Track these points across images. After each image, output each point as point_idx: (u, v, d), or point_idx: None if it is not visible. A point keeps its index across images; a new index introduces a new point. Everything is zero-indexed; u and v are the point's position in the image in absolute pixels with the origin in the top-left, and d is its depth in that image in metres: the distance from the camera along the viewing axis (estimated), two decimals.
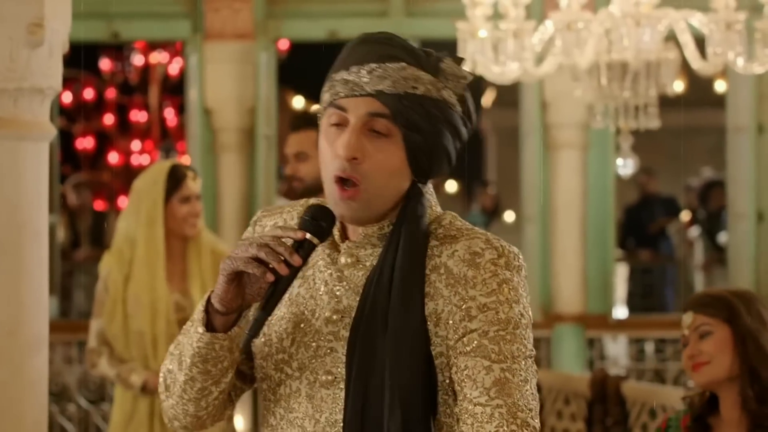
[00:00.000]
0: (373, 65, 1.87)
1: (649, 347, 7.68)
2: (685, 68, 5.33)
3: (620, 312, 9.41)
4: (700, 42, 4.97)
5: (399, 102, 1.85)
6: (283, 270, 1.84)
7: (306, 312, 1.92)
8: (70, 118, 12.43)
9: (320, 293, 1.92)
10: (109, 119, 12.70)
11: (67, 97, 11.96)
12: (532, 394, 1.80)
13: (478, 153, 14.77)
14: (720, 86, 10.10)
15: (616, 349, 7.82)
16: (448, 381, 1.84)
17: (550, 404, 5.22)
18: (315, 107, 4.79)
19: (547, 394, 5.25)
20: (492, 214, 11.99)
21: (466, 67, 1.96)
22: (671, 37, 5.05)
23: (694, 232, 11.01)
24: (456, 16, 5.48)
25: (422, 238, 1.88)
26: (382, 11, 7.51)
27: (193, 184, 4.32)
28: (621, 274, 10.18)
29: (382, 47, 1.89)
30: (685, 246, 11.19)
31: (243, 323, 1.91)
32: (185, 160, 8.35)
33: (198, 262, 4.32)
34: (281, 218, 2.00)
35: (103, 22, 7.34)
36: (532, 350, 1.84)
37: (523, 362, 1.81)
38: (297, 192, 3.94)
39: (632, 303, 10.38)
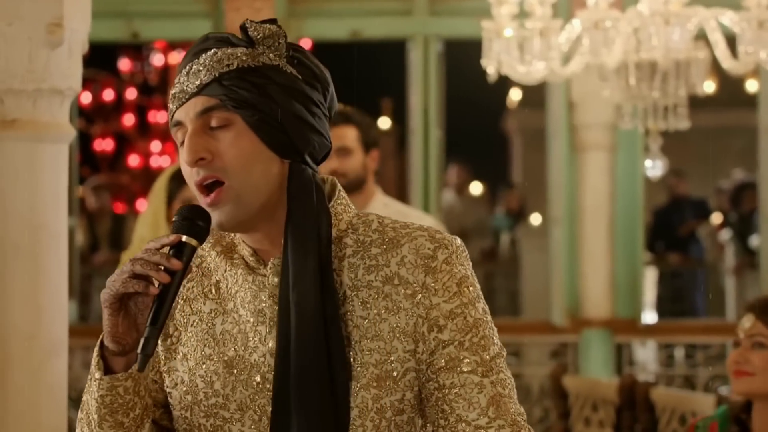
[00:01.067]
0: (189, 66, 1.82)
1: (679, 353, 7.66)
2: (716, 68, 5.31)
3: (649, 317, 9.38)
4: (731, 41, 4.94)
5: (219, 86, 1.78)
6: (164, 278, 1.72)
7: (237, 348, 1.82)
8: (89, 119, 12.49)
9: (251, 324, 1.81)
10: (128, 120, 12.74)
11: (86, 98, 12.01)
12: (515, 394, 1.81)
13: (503, 154, 14.75)
14: (751, 86, 10.06)
15: (645, 355, 7.80)
16: (413, 399, 1.80)
17: (578, 411, 5.21)
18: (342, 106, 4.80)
19: (575, 401, 5.23)
20: (517, 217, 11.97)
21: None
22: (701, 36, 5.03)
23: (725, 235, 10.96)
24: (481, 14, 5.47)
25: (310, 229, 1.78)
26: (406, 10, 7.51)
27: None
28: (650, 277, 10.14)
29: (194, 48, 1.84)
30: (716, 249, 11.14)
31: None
32: None
33: None
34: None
35: (123, 22, 7.37)
36: (501, 345, 1.83)
37: (503, 365, 1.81)
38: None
39: (661, 307, 10.35)
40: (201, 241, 1.78)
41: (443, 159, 8.11)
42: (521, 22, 5.04)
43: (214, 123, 1.79)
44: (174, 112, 1.82)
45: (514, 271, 10.19)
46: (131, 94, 12.74)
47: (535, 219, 11.97)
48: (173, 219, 1.79)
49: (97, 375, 1.78)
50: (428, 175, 7.55)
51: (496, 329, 1.84)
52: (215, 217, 1.79)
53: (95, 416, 1.80)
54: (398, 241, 1.81)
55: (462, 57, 7.13)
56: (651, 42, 4.92)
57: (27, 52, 3.12)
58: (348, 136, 3.99)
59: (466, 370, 1.78)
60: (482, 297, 1.84)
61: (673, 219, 10.82)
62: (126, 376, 1.77)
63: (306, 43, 8.13)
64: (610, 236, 7.40)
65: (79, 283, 8.38)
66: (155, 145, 12.77)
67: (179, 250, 1.76)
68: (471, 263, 1.85)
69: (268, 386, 1.79)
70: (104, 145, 12.77)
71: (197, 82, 1.80)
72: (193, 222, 1.78)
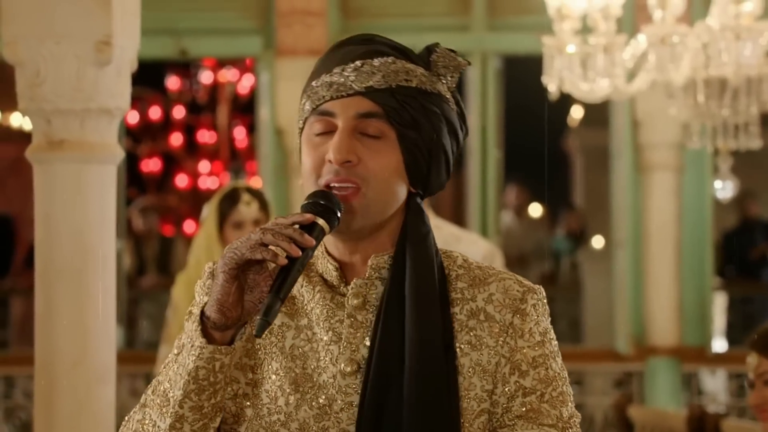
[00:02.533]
0: (359, 62, 1.79)
1: None
2: None
3: (719, 345, 9.28)
4: None
5: (391, 97, 1.77)
6: (295, 251, 1.70)
7: (306, 365, 1.81)
8: (136, 138, 12.58)
9: (324, 343, 1.81)
10: (176, 140, 12.83)
11: (133, 117, 12.12)
12: None
13: (564, 174, 14.70)
14: None
15: (715, 385, 7.72)
16: None
17: None
18: None
19: None
20: (579, 240, 11.91)
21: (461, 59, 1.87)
22: None
23: None
24: (542, 30, 5.47)
25: (432, 262, 1.80)
26: (463, 25, 7.52)
27: (246, 210, 4.34)
28: (719, 303, 10.04)
29: (363, 46, 1.82)
30: None
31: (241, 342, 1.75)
32: (255, 182, 8.41)
33: None
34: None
35: (171, 39, 7.43)
36: (575, 408, 1.83)
37: (576, 427, 1.81)
38: None
39: (732, 335, 10.23)
40: (331, 227, 1.76)
41: (501, 179, 8.10)
42: (584, 37, 5.03)
43: (370, 131, 1.79)
44: (324, 101, 1.80)
45: (575, 296, 10.13)
46: (179, 112, 12.83)
47: (598, 242, 11.89)
48: (306, 201, 1.78)
49: (198, 342, 1.74)
50: (486, 196, 7.54)
51: (571, 389, 1.84)
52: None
53: (178, 393, 1.74)
54: (485, 280, 1.82)
55: (521, 74, 7.12)
56: (721, 58, 4.89)
57: (75, 70, 3.15)
58: None
59: (546, 423, 1.78)
60: (560, 353, 1.84)
61: (744, 242, 10.71)
62: (228, 351, 1.74)
63: None
64: (677, 260, 7.34)
65: (126, 307, 8.44)
66: (203, 166, 12.83)
67: (308, 230, 1.74)
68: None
69: (335, 408, 1.78)
70: (151, 165, 12.86)
71: (368, 84, 1.78)
72: (326, 207, 1.76)
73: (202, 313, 1.76)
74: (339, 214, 1.77)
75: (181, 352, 1.78)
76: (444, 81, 1.83)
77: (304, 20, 7.33)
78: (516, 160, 9.31)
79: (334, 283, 1.83)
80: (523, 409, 1.78)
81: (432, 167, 1.81)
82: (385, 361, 1.76)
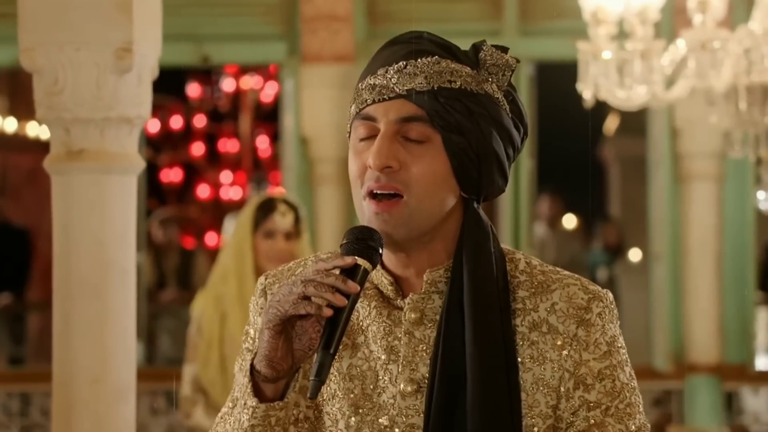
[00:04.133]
0: (402, 63, 1.78)
1: None
2: None
3: (762, 362, 9.24)
4: None
5: (435, 100, 1.75)
6: (340, 300, 1.69)
7: (365, 386, 1.81)
8: (156, 148, 12.62)
9: (382, 362, 1.80)
10: (197, 149, 12.87)
11: (153, 126, 12.16)
12: None
13: (599, 185, 14.66)
14: None
15: (758, 404, 7.68)
16: None
17: None
18: None
19: None
20: (615, 253, 11.88)
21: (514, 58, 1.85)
22: None
23: None
24: (576, 35, 5.46)
25: (491, 272, 1.77)
26: (495, 30, 7.52)
27: (282, 220, 4.36)
28: (762, 319, 9.99)
29: (410, 45, 1.81)
30: None
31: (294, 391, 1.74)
32: (279, 192, 8.44)
33: None
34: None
35: (192, 45, 7.46)
36: (645, 418, 1.81)
37: None
38: None
39: None
40: (374, 265, 1.75)
41: (534, 190, 8.09)
42: (620, 43, 5.02)
43: (413, 135, 1.77)
44: (366, 104, 1.79)
45: None
46: (200, 121, 12.87)
47: (635, 255, 11.86)
48: (343, 241, 1.76)
49: (252, 402, 1.74)
50: (518, 207, 7.54)
51: (641, 398, 1.82)
52: (379, 223, 1.76)
53: None
54: (548, 287, 1.80)
55: (555, 81, 7.12)
56: (763, 63, 4.87)
57: (94, 78, 3.17)
58: None
59: None
60: (628, 362, 1.82)
61: None
62: (281, 405, 1.74)
63: None
64: (718, 274, 7.31)
65: (146, 322, 8.47)
66: (225, 176, 12.86)
67: (351, 274, 1.73)
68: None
69: (396, 430, 1.78)
70: (172, 175, 12.90)
71: (410, 86, 1.76)
72: (366, 244, 1.74)
73: (252, 366, 1.76)
74: (381, 251, 1.76)
75: (236, 406, 1.79)
76: (493, 81, 1.80)
77: (329, 26, 7.35)
78: (549, 169, 9.29)
79: (391, 296, 1.82)
80: (586, 423, 1.76)
81: (483, 172, 1.78)
82: (447, 381, 1.75)
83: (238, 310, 4.34)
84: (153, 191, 12.22)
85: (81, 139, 3.18)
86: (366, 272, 1.74)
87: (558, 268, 1.83)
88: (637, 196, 9.12)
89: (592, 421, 1.76)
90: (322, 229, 7.33)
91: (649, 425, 1.81)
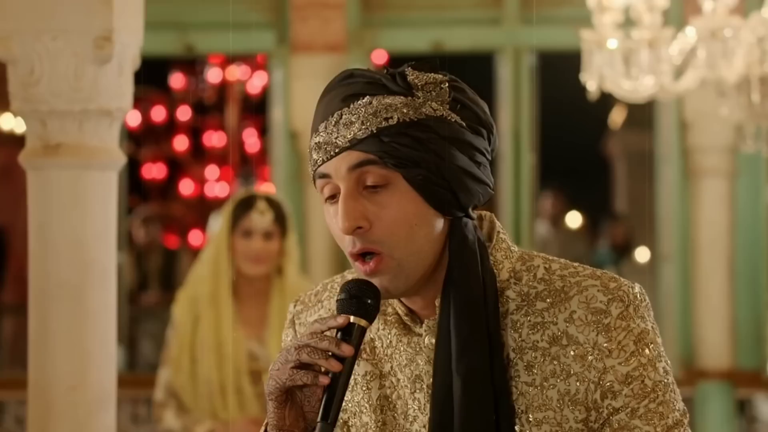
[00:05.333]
0: (337, 114, 1.81)
1: None
2: None
3: None
4: None
5: (379, 142, 1.78)
6: (335, 366, 1.75)
7: (397, 416, 1.86)
8: (138, 142, 12.62)
9: (409, 390, 1.86)
10: (181, 143, 12.87)
11: (134, 119, 12.15)
12: None
13: (605, 181, 14.68)
14: None
15: None
16: None
17: None
18: None
19: None
20: (622, 252, 11.90)
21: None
22: None
23: None
24: (580, 23, 5.47)
25: (478, 296, 1.79)
26: (494, 18, 7.53)
27: (259, 219, 4.36)
28: None
29: (341, 89, 1.83)
30: None
31: None
32: (267, 188, 8.44)
33: (280, 308, 4.37)
34: (323, 307, 1.95)
35: (175, 34, 7.46)
36: (684, 408, 1.82)
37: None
38: None
39: None
40: (371, 320, 1.79)
41: (536, 186, 8.10)
42: (627, 31, 5.03)
43: (370, 181, 1.80)
44: (319, 164, 1.83)
45: None
46: (184, 114, 12.87)
47: (642, 255, 11.87)
48: (339, 296, 1.81)
49: None
50: (519, 205, 7.54)
51: (678, 391, 1.83)
52: (376, 282, 1.81)
53: None
54: (566, 293, 1.82)
55: (558, 71, 7.12)
56: None
57: (73, 68, 3.17)
58: None
59: None
60: (664, 355, 1.83)
61: None
62: None
63: (382, 57, 8.19)
64: (730, 275, 7.32)
65: (127, 326, 8.47)
66: (211, 171, 12.86)
67: (347, 333, 1.78)
68: (653, 313, 1.85)
69: None
70: (154, 171, 12.89)
71: (349, 136, 1.80)
72: (360, 300, 1.79)
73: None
74: (378, 304, 1.80)
75: None
76: (431, 100, 1.81)
77: (320, 13, 7.35)
78: (552, 165, 9.31)
79: (408, 323, 1.86)
80: (610, 429, 1.78)
81: (456, 190, 1.81)
82: (439, 416, 1.78)
83: (211, 313, 4.35)
84: (134, 188, 12.21)
85: (58, 132, 3.18)
86: (363, 330, 1.78)
87: (579, 267, 1.85)
88: (644, 192, 9.12)
89: (617, 425, 1.78)
90: (312, 228, 7.33)
91: (687, 417, 1.81)
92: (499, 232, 1.89)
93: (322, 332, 1.77)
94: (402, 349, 1.86)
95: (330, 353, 1.76)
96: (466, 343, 1.77)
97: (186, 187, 12.83)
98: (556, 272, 1.84)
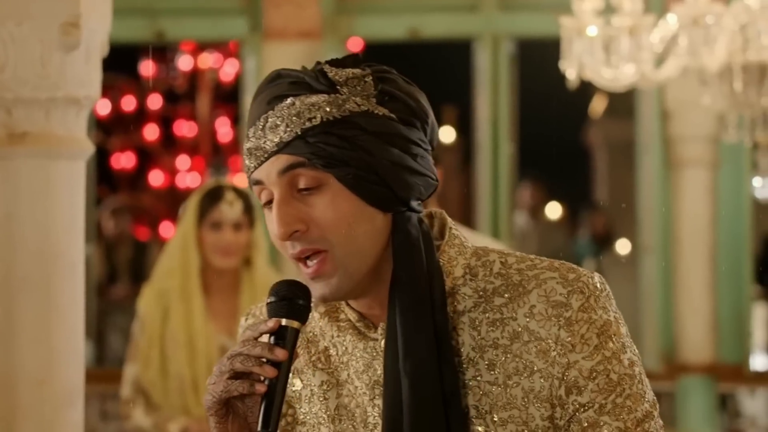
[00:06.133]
0: (263, 119, 1.82)
1: None
2: None
3: (759, 362, 9.29)
4: None
5: (305, 143, 1.78)
6: (270, 372, 1.73)
7: (356, 425, 1.85)
8: (106, 131, 12.58)
9: (368, 398, 1.84)
10: (151, 132, 12.84)
11: (103, 107, 12.12)
12: None
13: (585, 171, 14.71)
14: None
15: (755, 407, 7.72)
16: None
17: None
18: None
19: None
20: (602, 244, 11.93)
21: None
22: None
23: None
24: (559, 9, 5.48)
25: (424, 296, 1.78)
26: (472, 5, 7.53)
27: (229, 210, 4.35)
28: (759, 315, 10.05)
29: (267, 92, 1.84)
30: None
31: None
32: (240, 180, 8.42)
33: (251, 300, 4.37)
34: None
35: (146, 20, 7.44)
36: (654, 398, 1.81)
37: (650, 428, 1.79)
38: None
39: None
40: (303, 321, 1.78)
41: (515, 176, 8.11)
42: (607, 18, 5.03)
43: (302, 184, 1.79)
44: (252, 171, 1.83)
45: None
46: (155, 102, 12.83)
47: (623, 246, 11.91)
48: (268, 301, 1.79)
49: None
50: (498, 196, 7.55)
51: (647, 381, 1.82)
52: (317, 290, 1.80)
53: None
54: (525, 287, 1.80)
55: (537, 59, 7.13)
56: (760, 40, 4.90)
57: (38, 55, 3.16)
58: None
59: None
60: (629, 344, 1.82)
61: None
62: None
63: (357, 44, 8.18)
64: (712, 267, 7.35)
65: (96, 320, 8.45)
66: (182, 161, 12.84)
67: (280, 336, 1.76)
68: (614, 302, 1.84)
69: None
70: (124, 161, 12.86)
71: (276, 140, 1.80)
72: (291, 301, 1.78)
73: None
74: (311, 304, 1.78)
75: None
76: (355, 95, 1.80)
77: None
78: (531, 155, 9.31)
79: (362, 329, 1.85)
80: (579, 427, 1.77)
81: (392, 186, 1.79)
82: (391, 421, 1.77)
83: (181, 307, 4.34)
84: (103, 178, 12.18)
85: (24, 121, 3.17)
86: (296, 332, 1.77)
87: (537, 259, 1.83)
88: (625, 183, 9.15)
89: (585, 423, 1.77)
90: None
91: (657, 408, 1.80)
92: (451, 228, 1.87)
93: (254, 339, 1.76)
94: (358, 355, 1.84)
95: (264, 359, 1.74)
96: (411, 342, 1.76)
97: (156, 177, 12.81)
98: (513, 266, 1.82)
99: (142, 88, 12.83)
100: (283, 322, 1.77)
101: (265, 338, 1.77)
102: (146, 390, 4.35)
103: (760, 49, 4.92)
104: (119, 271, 10.46)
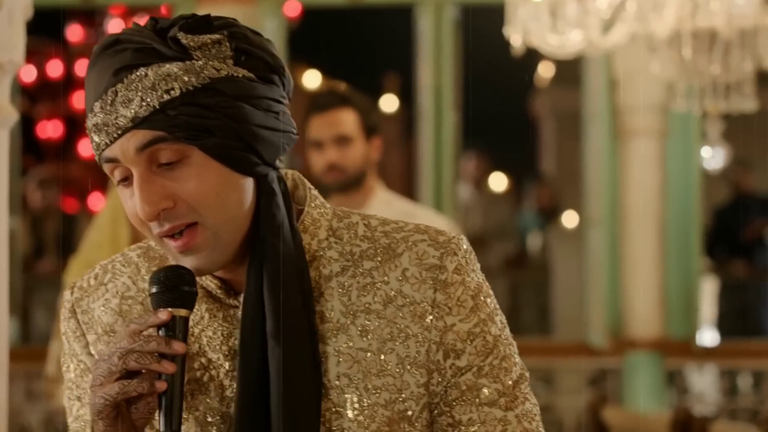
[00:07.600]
0: (110, 90, 1.74)
1: (744, 380, 7.66)
2: None
3: (707, 337, 9.39)
4: None
5: (164, 116, 1.71)
6: (170, 368, 1.69)
7: (210, 400, 1.80)
8: (32, 98, 12.49)
9: (226, 370, 1.80)
10: (80, 100, 12.74)
11: (28, 74, 12.02)
12: (542, 428, 1.81)
13: (531, 141, 14.77)
14: None
15: (703, 383, 7.80)
16: None
17: None
18: (336, 83, 4.78)
19: None
20: (548, 216, 11.99)
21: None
22: None
23: None
24: None
25: (292, 259, 1.75)
26: None
27: None
28: (708, 290, 10.15)
29: (110, 60, 1.76)
30: None
31: None
32: None
33: None
34: (108, 291, 1.88)
35: None
36: (522, 365, 1.83)
37: (527, 390, 1.81)
38: (338, 185, 3.96)
39: (723, 326, 10.35)
40: (191, 307, 1.73)
41: (459, 147, 8.13)
42: None
43: (164, 159, 1.73)
44: (103, 148, 1.76)
45: (544, 282, 10.20)
46: (83, 68, 12.73)
47: (570, 219, 11.98)
48: (151, 291, 1.74)
49: None
50: (441, 167, 7.56)
51: (515, 344, 1.83)
52: (189, 262, 1.75)
53: None
54: (394, 250, 1.79)
55: (481, 25, 7.14)
56: (710, 6, 4.92)
57: None
58: (346, 121, 3.98)
59: (486, 401, 1.78)
60: (497, 307, 1.83)
61: (737, 220, 10.82)
62: None
63: (296, 9, 8.14)
64: (660, 240, 7.40)
65: (21, 296, 8.40)
66: None
67: (171, 328, 1.71)
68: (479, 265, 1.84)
69: None
70: (50, 130, 12.77)
71: (130, 115, 1.73)
72: (177, 289, 1.73)
73: None
74: (195, 289, 1.75)
75: None
76: (212, 59, 1.75)
77: None
78: (475, 124, 9.33)
79: (221, 297, 1.81)
80: (457, 391, 1.78)
81: (259, 149, 1.76)
82: (249, 390, 1.74)
83: None
84: (29, 148, 12.09)
85: None
86: (185, 320, 1.72)
87: (400, 222, 1.83)
88: (572, 153, 9.21)
89: (464, 386, 1.78)
90: None
91: (527, 372, 1.83)
92: (310, 188, 1.85)
93: (141, 332, 1.70)
94: (216, 325, 1.81)
95: (160, 355, 1.70)
96: (280, 307, 1.74)
97: (85, 147, 12.72)
98: (378, 229, 1.81)
99: (69, 54, 12.73)
100: (173, 312, 1.71)
101: (151, 331, 1.72)
102: None
103: (709, 16, 4.94)
104: (46, 246, 10.40)
